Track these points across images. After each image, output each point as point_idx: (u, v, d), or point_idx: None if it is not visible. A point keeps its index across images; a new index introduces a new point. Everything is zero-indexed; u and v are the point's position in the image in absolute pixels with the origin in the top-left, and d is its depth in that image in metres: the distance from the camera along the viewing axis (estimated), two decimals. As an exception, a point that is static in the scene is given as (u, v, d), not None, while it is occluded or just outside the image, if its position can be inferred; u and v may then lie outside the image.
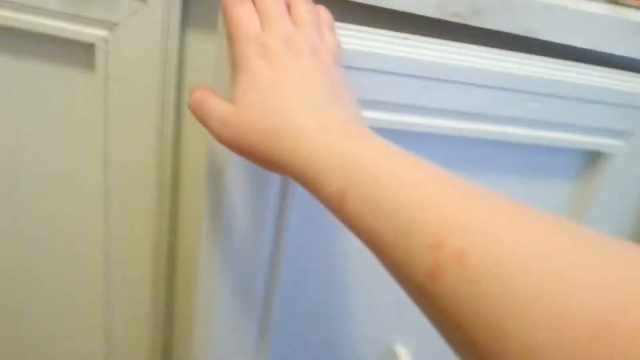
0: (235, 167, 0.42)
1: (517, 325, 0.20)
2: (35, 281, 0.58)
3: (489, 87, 0.44)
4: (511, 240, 0.23)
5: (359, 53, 0.40)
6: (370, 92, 0.42)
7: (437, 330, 0.25)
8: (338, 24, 0.39)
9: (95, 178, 0.51)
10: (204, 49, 0.47)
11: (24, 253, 0.56)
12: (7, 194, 0.53)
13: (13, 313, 0.60)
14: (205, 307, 0.50)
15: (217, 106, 0.34)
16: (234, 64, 0.35)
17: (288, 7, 0.36)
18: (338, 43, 0.38)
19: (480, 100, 0.45)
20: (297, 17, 0.35)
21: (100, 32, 0.45)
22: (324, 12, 0.39)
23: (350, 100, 0.35)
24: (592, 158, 0.53)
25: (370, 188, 0.28)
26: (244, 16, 0.34)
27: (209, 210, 0.45)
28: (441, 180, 0.27)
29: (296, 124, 0.31)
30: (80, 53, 0.46)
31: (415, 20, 0.43)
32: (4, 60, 0.48)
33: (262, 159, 0.33)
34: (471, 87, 0.44)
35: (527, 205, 0.25)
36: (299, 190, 0.44)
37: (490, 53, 0.44)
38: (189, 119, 0.50)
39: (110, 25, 0.44)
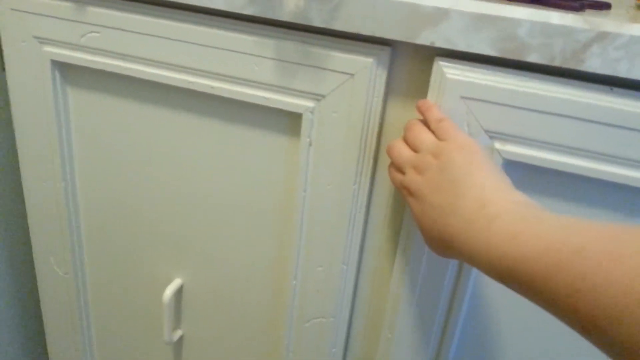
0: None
1: None
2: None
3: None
4: None
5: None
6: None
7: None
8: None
9: (291, 235, 0.53)
10: (403, 117, 0.46)
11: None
12: (218, 235, 0.58)
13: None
14: None
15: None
16: None
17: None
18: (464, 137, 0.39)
19: None
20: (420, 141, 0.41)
21: (308, 103, 0.46)
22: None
23: (489, 179, 0.36)
24: None
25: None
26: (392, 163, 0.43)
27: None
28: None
29: (457, 240, 0.35)
30: (287, 121, 0.48)
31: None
32: (217, 124, 0.52)
33: (444, 236, 0.37)
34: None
35: None
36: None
37: None
38: (381, 185, 0.49)
39: (318, 97, 0.45)
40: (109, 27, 0.50)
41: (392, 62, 0.44)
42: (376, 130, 0.46)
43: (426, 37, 0.40)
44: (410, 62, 0.44)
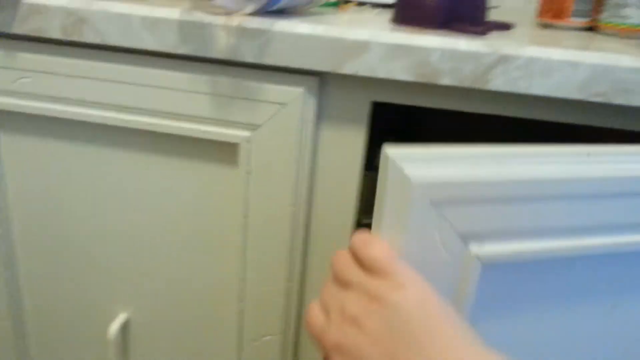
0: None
1: None
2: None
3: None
4: None
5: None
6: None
7: None
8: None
9: (235, 259, 0.55)
10: (335, 141, 0.49)
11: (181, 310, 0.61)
12: (163, 269, 0.58)
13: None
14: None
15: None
16: None
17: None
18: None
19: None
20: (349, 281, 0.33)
21: (245, 133, 0.48)
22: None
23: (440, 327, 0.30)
24: None
25: None
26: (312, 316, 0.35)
27: None
28: None
29: None
30: (226, 151, 0.50)
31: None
32: (156, 159, 0.53)
33: None
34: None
35: None
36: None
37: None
38: (319, 206, 0.52)
39: (253, 127, 0.48)
40: (40, 72, 0.50)
41: (322, 90, 0.47)
42: (310, 153, 0.49)
43: (350, 67, 0.43)
44: (339, 90, 0.47)
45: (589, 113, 0.44)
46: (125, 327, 0.63)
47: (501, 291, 0.35)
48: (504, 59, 0.41)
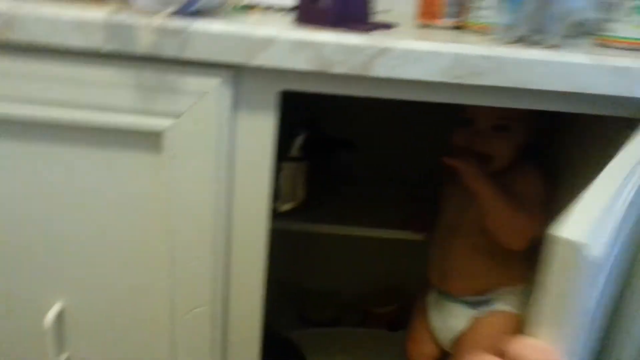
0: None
1: None
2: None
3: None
4: None
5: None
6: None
7: None
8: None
9: (161, 240, 0.61)
10: (250, 126, 0.57)
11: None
12: (95, 257, 0.63)
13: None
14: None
15: None
16: None
17: None
18: None
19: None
20: None
21: (168, 122, 0.55)
22: None
23: None
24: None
25: None
26: None
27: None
28: None
29: None
30: (151, 140, 0.56)
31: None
32: (83, 152, 0.58)
33: None
34: None
35: None
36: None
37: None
38: (238, 184, 0.59)
39: (176, 115, 0.54)
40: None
41: (236, 81, 0.55)
42: (228, 138, 0.56)
43: (259, 60, 0.51)
44: (251, 81, 0.55)
45: (451, 93, 0.55)
46: (60, 316, 0.67)
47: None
48: (383, 51, 0.51)
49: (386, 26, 0.62)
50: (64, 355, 0.69)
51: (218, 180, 0.57)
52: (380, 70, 0.52)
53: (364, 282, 1.19)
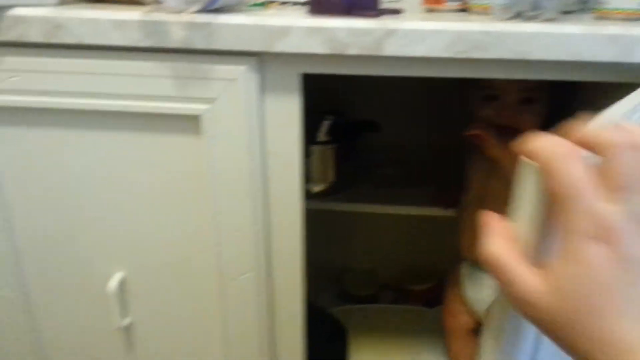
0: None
1: None
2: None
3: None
4: None
5: None
6: None
7: None
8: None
9: (209, 212, 0.67)
10: (277, 107, 0.62)
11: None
12: (148, 231, 0.70)
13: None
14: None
15: (522, 283, 0.29)
16: (556, 232, 0.29)
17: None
18: None
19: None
20: None
21: (204, 106, 0.61)
22: None
23: None
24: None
25: None
26: (579, 176, 0.26)
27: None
28: None
29: (623, 340, 0.25)
30: (189, 123, 0.63)
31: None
32: (132, 137, 0.65)
33: (564, 348, 0.28)
34: None
35: None
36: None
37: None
38: (271, 159, 0.65)
39: (210, 100, 0.61)
40: (26, 71, 0.61)
41: (261, 67, 0.61)
42: (257, 117, 0.62)
43: (280, 46, 0.57)
44: (274, 66, 0.61)
45: (458, 67, 0.60)
46: (122, 285, 0.74)
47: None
48: (391, 32, 0.56)
49: (394, 11, 0.67)
50: (127, 319, 0.76)
51: (252, 156, 0.64)
52: (391, 49, 0.57)
53: (401, 260, 1.24)
